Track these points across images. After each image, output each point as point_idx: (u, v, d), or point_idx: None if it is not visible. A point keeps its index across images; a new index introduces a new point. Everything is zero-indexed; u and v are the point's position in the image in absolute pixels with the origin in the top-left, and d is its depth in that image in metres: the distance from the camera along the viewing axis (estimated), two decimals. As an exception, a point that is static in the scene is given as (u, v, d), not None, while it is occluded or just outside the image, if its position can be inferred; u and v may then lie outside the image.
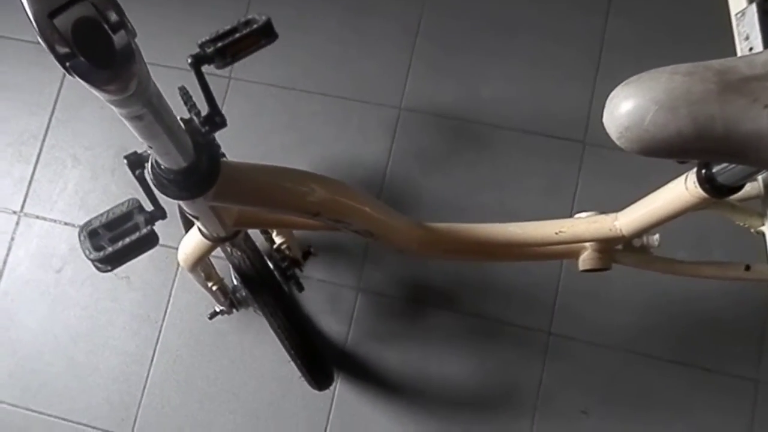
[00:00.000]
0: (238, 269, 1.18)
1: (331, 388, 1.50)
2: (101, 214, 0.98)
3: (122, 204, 1.00)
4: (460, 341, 1.52)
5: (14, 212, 1.70)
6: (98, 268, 0.98)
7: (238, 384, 1.55)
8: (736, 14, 0.77)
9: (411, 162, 1.62)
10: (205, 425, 1.53)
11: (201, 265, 1.11)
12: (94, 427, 1.55)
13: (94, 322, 1.61)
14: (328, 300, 1.57)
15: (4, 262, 1.66)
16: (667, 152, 0.58)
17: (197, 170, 0.63)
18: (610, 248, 1.00)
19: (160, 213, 1.03)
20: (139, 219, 1.01)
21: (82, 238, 0.97)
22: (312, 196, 0.77)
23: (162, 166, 0.62)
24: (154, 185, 0.64)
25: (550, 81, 1.64)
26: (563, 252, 1.02)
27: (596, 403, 1.47)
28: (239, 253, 1.15)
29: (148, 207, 1.00)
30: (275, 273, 1.30)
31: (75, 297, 1.62)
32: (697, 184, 0.73)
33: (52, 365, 1.59)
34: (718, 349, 1.47)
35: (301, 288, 1.41)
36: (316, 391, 1.43)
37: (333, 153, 1.64)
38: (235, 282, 1.41)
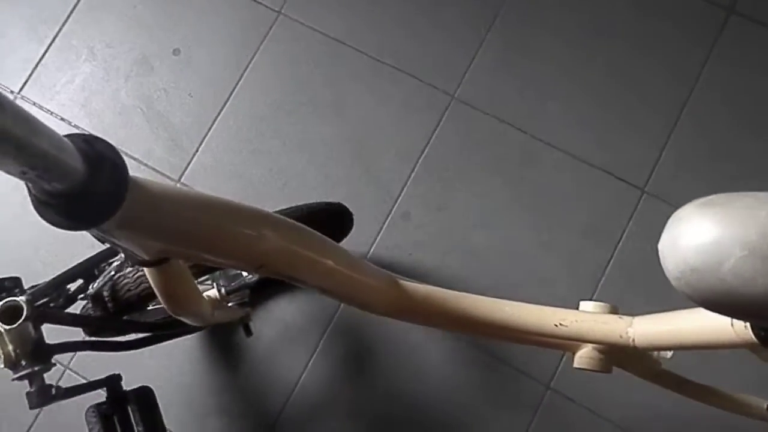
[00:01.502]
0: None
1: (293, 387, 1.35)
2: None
3: (90, 420, 0.89)
4: (455, 369, 1.35)
5: (11, 92, 1.54)
6: None
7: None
8: None
9: (448, 157, 1.45)
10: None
11: (196, 297, 0.88)
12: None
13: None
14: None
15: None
16: (746, 314, 0.44)
17: (91, 192, 0.45)
18: (615, 351, 0.85)
19: (115, 378, 0.90)
20: (114, 405, 0.90)
21: None
22: (258, 243, 0.59)
23: (40, 186, 0.44)
24: (34, 206, 0.47)
25: (625, 112, 1.45)
26: (558, 343, 0.87)
27: (575, 476, 1.31)
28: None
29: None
30: None
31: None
32: (748, 327, 0.56)
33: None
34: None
35: None
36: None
37: (367, 124, 1.47)
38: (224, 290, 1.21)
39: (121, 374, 0.92)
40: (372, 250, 1.41)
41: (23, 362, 0.77)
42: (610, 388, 1.31)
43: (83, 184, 0.44)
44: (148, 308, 1.12)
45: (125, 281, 0.97)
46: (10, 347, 0.76)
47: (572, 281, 1.37)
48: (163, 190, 0.54)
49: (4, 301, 0.72)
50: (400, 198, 1.43)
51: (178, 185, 1.44)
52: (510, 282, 1.38)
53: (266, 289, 1.37)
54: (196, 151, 1.47)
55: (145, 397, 0.91)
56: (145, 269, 0.72)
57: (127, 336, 1.03)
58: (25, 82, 1.54)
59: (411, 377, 1.35)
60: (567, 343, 0.86)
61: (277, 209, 1.11)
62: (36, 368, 0.77)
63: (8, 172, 0.38)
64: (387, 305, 0.77)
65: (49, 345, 0.80)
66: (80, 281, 0.97)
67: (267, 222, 0.61)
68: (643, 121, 1.45)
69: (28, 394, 0.79)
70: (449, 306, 0.78)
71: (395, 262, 1.40)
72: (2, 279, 0.80)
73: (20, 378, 0.78)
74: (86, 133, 0.47)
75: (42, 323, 0.81)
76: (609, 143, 1.44)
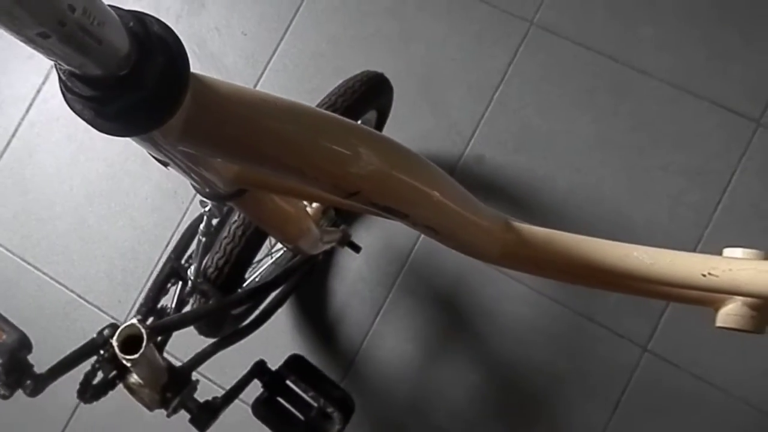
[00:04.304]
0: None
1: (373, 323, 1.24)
2: None
3: (265, 415, 0.82)
4: (539, 326, 1.21)
5: (62, 38, 1.47)
6: (349, 413, 0.83)
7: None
8: None
9: (527, 91, 1.28)
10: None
11: (301, 215, 0.81)
12: (86, 300, 1.34)
13: (116, 184, 1.38)
14: (383, 237, 1.28)
15: (38, 90, 1.44)
16: None
17: (140, 84, 0.34)
18: None
19: (260, 366, 0.82)
20: (274, 390, 0.82)
21: None
22: (352, 164, 0.47)
23: (76, 73, 0.33)
24: (65, 98, 0.35)
25: (733, 34, 1.25)
26: (699, 298, 0.73)
27: None
28: None
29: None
30: None
31: (102, 150, 1.40)
32: None
33: (60, 219, 1.38)
34: None
35: None
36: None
37: (436, 58, 1.32)
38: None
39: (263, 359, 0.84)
40: (442, 196, 1.27)
41: (168, 394, 0.71)
42: (719, 352, 1.14)
43: (129, 71, 0.33)
44: (250, 277, 1.05)
45: (216, 255, 0.88)
46: (147, 390, 0.70)
47: (673, 229, 1.20)
48: (234, 90, 0.42)
49: (119, 329, 0.64)
50: (472, 139, 1.29)
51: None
52: (600, 231, 1.22)
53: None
54: (251, 93, 1.36)
55: (297, 364, 0.84)
56: (234, 205, 0.65)
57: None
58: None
59: (491, 333, 1.22)
60: (710, 298, 0.71)
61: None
62: (183, 394, 0.72)
63: (22, 35, 0.27)
64: (500, 251, 0.64)
65: (182, 366, 0.74)
66: (174, 284, 0.89)
67: (364, 138, 0.48)
68: (756, 44, 1.24)
69: (191, 420, 0.74)
70: (572, 251, 0.64)
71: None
72: (102, 329, 0.72)
73: (175, 411, 0.73)
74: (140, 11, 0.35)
75: (164, 341, 0.76)
76: (715, 70, 1.24)
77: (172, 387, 0.71)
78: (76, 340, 1.33)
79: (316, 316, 1.28)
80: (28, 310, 1.36)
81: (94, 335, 0.71)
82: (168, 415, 0.71)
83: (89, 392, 0.71)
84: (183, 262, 0.89)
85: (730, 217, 1.18)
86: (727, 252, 0.66)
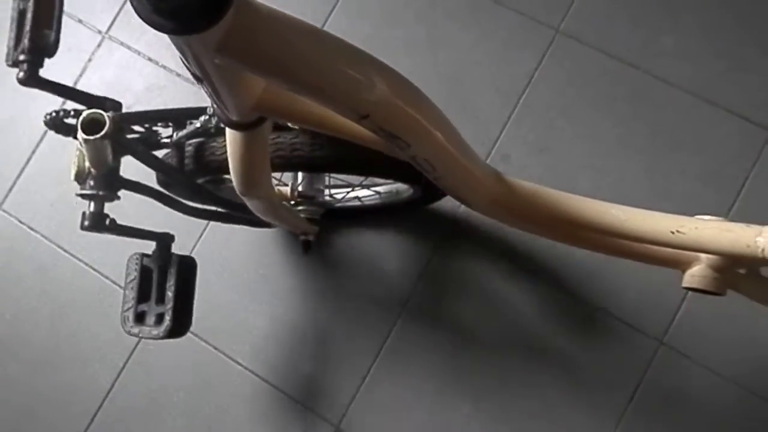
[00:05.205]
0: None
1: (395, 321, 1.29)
2: (125, 299, 0.90)
3: (131, 266, 0.92)
4: (554, 319, 1.27)
5: (99, 32, 1.51)
6: (177, 334, 0.89)
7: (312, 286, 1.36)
8: None
9: (552, 95, 1.34)
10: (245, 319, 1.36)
11: (266, 180, 0.85)
12: (120, 286, 1.39)
13: (152, 175, 1.42)
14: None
15: (75, 83, 1.49)
16: None
17: None
18: (732, 269, 0.77)
19: (167, 237, 0.92)
20: (157, 261, 0.89)
21: (134, 330, 0.87)
22: (366, 90, 0.54)
23: None
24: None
25: (751, 47, 1.32)
26: (668, 258, 0.81)
27: (689, 437, 1.21)
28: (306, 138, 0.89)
29: (149, 248, 0.93)
30: None
31: (138, 141, 1.44)
32: None
33: (96, 207, 1.43)
34: None
35: None
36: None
37: (463, 63, 1.38)
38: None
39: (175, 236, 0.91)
40: (469, 194, 1.33)
41: (91, 182, 0.79)
42: (733, 345, 1.21)
43: None
44: (221, 186, 1.11)
45: (212, 144, 0.93)
46: (86, 164, 0.78)
47: (689, 230, 1.26)
48: (271, 11, 0.48)
49: (90, 111, 0.72)
50: (499, 139, 1.34)
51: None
52: (619, 230, 1.28)
53: (340, 220, 1.33)
54: (285, 90, 1.41)
55: (188, 266, 0.90)
56: (229, 134, 0.70)
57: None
58: (112, 22, 1.51)
59: (509, 324, 1.28)
60: (679, 257, 0.80)
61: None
62: (101, 192, 0.79)
63: None
64: (490, 200, 0.73)
65: (121, 177, 0.82)
66: (171, 129, 0.94)
67: (380, 71, 0.55)
68: (771, 57, 1.31)
69: (83, 213, 0.80)
70: (556, 206, 0.74)
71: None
72: (106, 97, 0.82)
73: (83, 196, 0.80)
74: None
75: (121, 150, 0.82)
76: (732, 80, 1.31)
77: (100, 179, 0.79)
78: (110, 326, 1.38)
79: (344, 299, 1.33)
80: (63, 296, 1.40)
81: (98, 94, 0.85)
82: (76, 194, 0.81)
83: (54, 121, 0.82)
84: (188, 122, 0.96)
85: (744, 219, 1.24)
86: (698, 218, 0.74)
